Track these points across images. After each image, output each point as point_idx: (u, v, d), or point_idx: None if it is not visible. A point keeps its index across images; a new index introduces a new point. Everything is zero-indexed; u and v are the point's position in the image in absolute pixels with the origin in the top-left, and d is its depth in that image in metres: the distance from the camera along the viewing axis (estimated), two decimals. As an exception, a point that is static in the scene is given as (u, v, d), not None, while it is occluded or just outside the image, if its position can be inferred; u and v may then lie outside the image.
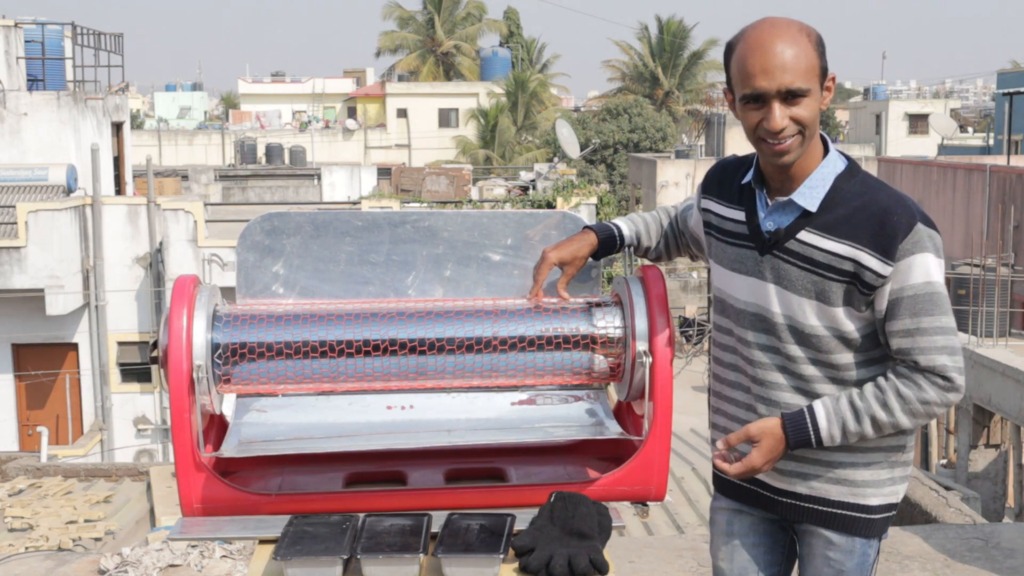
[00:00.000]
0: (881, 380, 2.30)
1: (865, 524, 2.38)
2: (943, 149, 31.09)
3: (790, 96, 2.21)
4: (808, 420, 2.31)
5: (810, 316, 2.30)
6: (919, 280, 2.24)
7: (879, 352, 2.34)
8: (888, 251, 2.23)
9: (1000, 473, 12.97)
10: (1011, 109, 27.87)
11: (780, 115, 2.22)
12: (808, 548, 2.44)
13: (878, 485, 2.38)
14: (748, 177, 2.40)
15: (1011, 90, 28.14)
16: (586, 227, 2.64)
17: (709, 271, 2.74)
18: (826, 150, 2.33)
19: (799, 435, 2.31)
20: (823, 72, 2.25)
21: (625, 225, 2.67)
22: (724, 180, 2.47)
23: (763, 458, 2.32)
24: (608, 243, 2.63)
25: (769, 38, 2.22)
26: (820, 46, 2.25)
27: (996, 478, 12.97)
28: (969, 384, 12.77)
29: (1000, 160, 24.96)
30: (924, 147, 41.17)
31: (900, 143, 46.33)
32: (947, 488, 7.60)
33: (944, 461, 14.26)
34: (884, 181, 2.36)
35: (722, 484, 2.58)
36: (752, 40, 2.24)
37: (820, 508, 2.39)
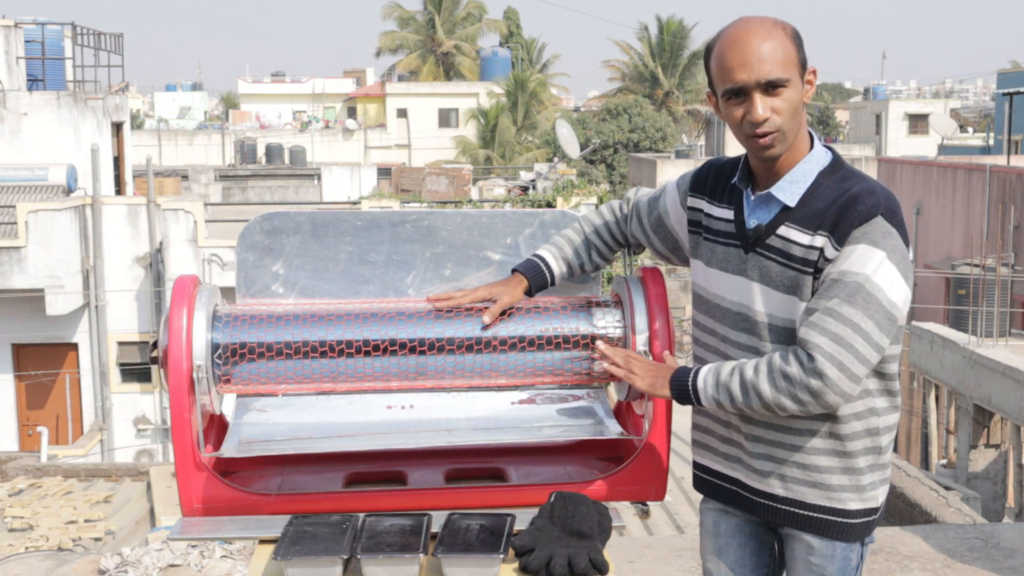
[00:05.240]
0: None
1: (844, 528, 2.36)
2: (943, 149, 31.08)
3: (770, 87, 2.22)
4: (691, 368, 2.38)
5: (790, 312, 2.28)
6: (852, 268, 2.19)
7: None
8: (841, 237, 2.21)
9: (1000, 473, 12.98)
10: (1011, 109, 27.85)
11: (761, 106, 2.22)
12: (792, 553, 2.43)
13: (856, 490, 2.35)
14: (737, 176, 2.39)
15: (1011, 90, 28.11)
16: (515, 270, 2.64)
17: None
18: (812, 146, 2.33)
19: (679, 373, 2.38)
20: (802, 64, 2.26)
21: (554, 261, 2.65)
22: (716, 179, 2.45)
23: (639, 367, 2.43)
24: (540, 285, 2.64)
25: (745, 33, 2.24)
26: (797, 39, 2.26)
27: (996, 478, 12.98)
28: (969, 384, 12.79)
29: (1000, 160, 24.94)
30: (924, 147, 41.15)
31: (900, 143, 46.31)
32: (947, 488, 7.61)
33: (944, 461, 14.27)
34: (871, 176, 2.33)
35: (702, 485, 2.56)
36: (729, 37, 2.26)
37: (798, 511, 2.37)
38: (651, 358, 2.53)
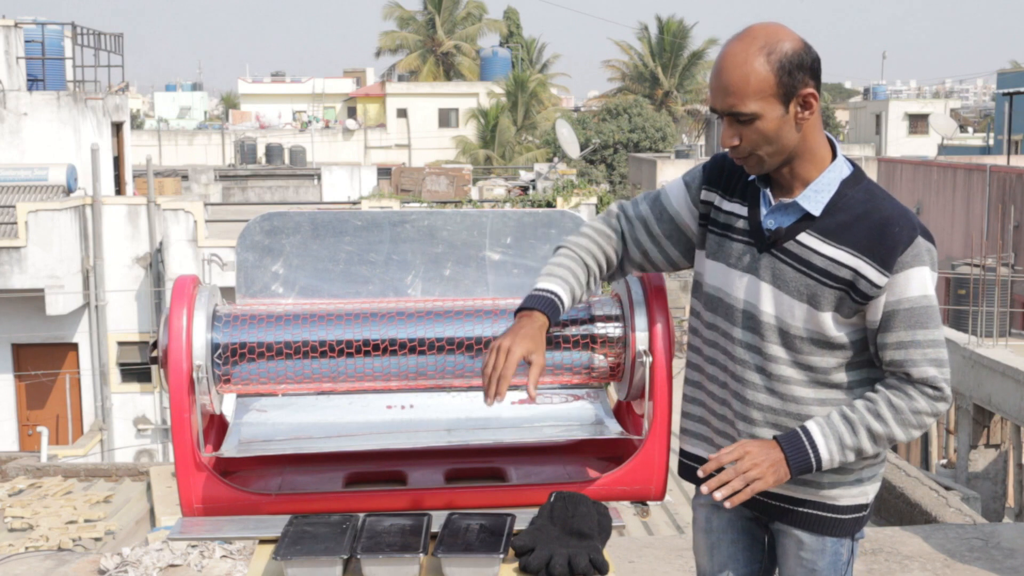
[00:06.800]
0: (870, 393, 2.30)
1: (833, 524, 2.38)
2: (943, 149, 31.09)
3: (736, 118, 2.22)
4: (804, 438, 2.28)
5: (798, 318, 2.29)
6: (916, 293, 2.24)
7: (860, 356, 2.33)
8: (887, 262, 2.22)
9: (1000, 473, 12.98)
10: (1011, 109, 27.85)
11: (727, 134, 2.25)
12: (783, 548, 2.45)
13: (845, 486, 2.37)
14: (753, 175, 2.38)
15: (1011, 90, 28.11)
16: (524, 308, 2.36)
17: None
18: (834, 155, 2.32)
19: (798, 454, 2.26)
20: (787, 92, 2.20)
21: (562, 289, 2.40)
22: (731, 174, 2.42)
23: (761, 470, 2.24)
24: (556, 317, 2.39)
25: (722, 58, 2.23)
26: (786, 64, 2.19)
27: (996, 478, 12.98)
28: (969, 384, 12.79)
29: (1000, 160, 24.95)
30: (924, 147, 41.18)
31: (900, 143, 46.34)
32: (947, 488, 7.60)
33: (944, 461, 14.27)
34: (885, 188, 2.36)
35: (684, 470, 2.56)
36: (718, 56, 2.26)
37: (788, 507, 2.39)
38: (651, 359, 2.51)
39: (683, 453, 2.58)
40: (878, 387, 2.30)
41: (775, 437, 2.29)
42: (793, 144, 2.26)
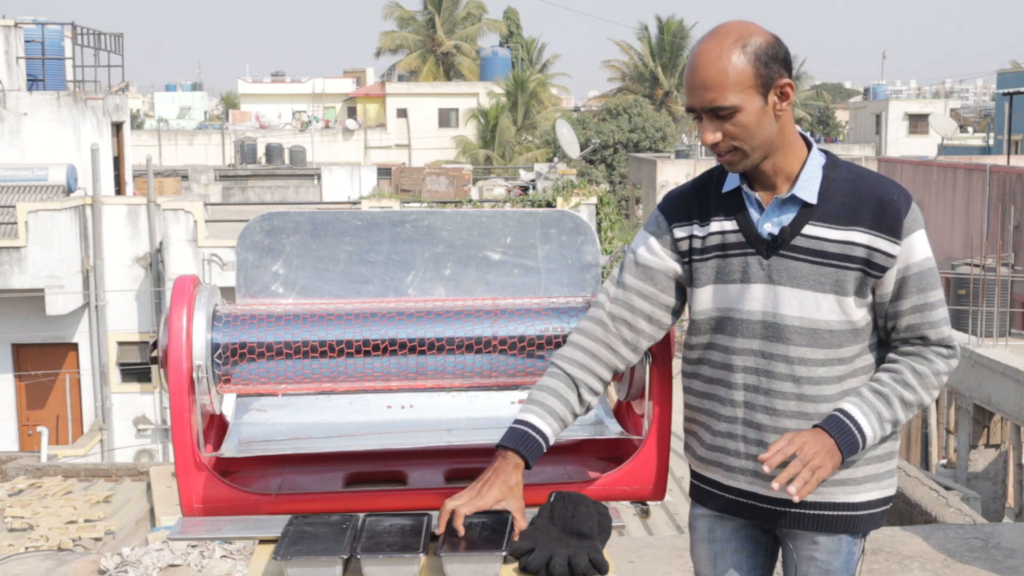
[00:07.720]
0: (891, 364, 2.32)
1: (862, 521, 2.37)
2: (943, 149, 31.12)
3: (716, 113, 2.23)
4: (847, 420, 2.27)
5: (825, 311, 2.27)
6: (921, 256, 2.29)
7: (872, 339, 2.35)
8: (895, 230, 2.25)
9: (1000, 473, 12.98)
10: (1011, 109, 27.87)
11: (708, 130, 2.25)
12: (791, 550, 2.42)
13: (877, 479, 2.37)
14: (728, 187, 2.36)
15: (1011, 90, 28.13)
16: (501, 447, 2.32)
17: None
18: (808, 145, 2.34)
19: (846, 437, 2.26)
20: (764, 83, 2.21)
21: (542, 419, 2.34)
22: (698, 200, 2.39)
23: (821, 458, 2.22)
24: (534, 451, 2.32)
25: (696, 55, 2.24)
26: (762, 55, 2.20)
27: (996, 478, 12.98)
28: (969, 384, 12.79)
29: (1000, 160, 24.96)
30: (924, 147, 41.21)
31: (900, 143, 46.38)
32: (947, 488, 7.61)
33: (944, 461, 14.27)
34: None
35: (702, 495, 2.51)
36: (690, 56, 2.28)
37: (820, 513, 2.36)
38: (651, 359, 2.51)
39: (703, 479, 2.50)
40: (896, 356, 2.33)
41: (818, 425, 2.28)
42: (773, 136, 2.26)
